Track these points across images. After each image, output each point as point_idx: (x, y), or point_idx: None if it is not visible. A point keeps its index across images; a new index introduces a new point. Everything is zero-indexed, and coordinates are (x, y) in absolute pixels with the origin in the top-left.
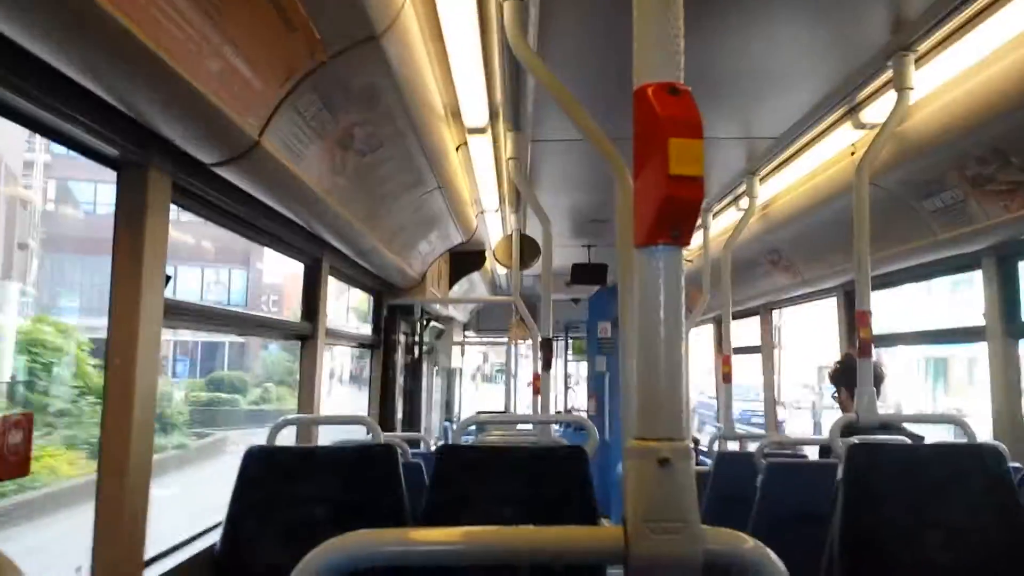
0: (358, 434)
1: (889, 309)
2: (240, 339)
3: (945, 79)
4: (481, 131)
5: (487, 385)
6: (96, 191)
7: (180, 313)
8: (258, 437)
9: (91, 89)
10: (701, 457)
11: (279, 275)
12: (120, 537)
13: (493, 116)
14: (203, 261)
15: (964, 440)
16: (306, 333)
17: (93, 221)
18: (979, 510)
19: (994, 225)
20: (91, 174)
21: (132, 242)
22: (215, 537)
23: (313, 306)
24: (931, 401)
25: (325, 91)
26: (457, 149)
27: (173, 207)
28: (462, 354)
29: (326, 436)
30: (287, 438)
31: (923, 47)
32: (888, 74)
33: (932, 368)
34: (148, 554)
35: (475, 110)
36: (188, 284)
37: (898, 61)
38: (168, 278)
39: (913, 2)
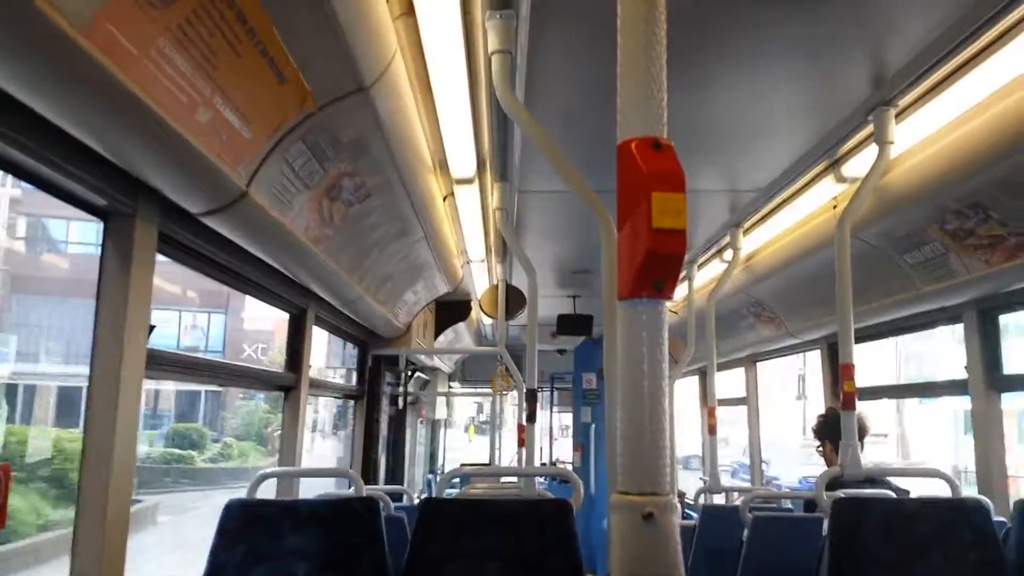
0: (340, 487)
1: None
2: (215, 388)
3: (925, 134)
4: (468, 181)
5: (481, 436)
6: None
7: (162, 363)
8: (209, 500)
9: (80, 139)
10: (687, 511)
11: (267, 320)
12: None
13: (480, 167)
14: (179, 304)
15: (949, 495)
16: (289, 384)
17: (66, 261)
18: (964, 565)
19: (975, 279)
20: (65, 212)
21: (116, 291)
22: None
23: (297, 356)
24: (963, 457)
25: (314, 141)
26: (444, 199)
27: (159, 256)
28: (447, 405)
29: (309, 489)
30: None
31: (903, 102)
32: (869, 128)
33: (964, 421)
34: None
35: (462, 161)
36: (161, 329)
37: (879, 116)
38: (152, 328)
39: (893, 58)
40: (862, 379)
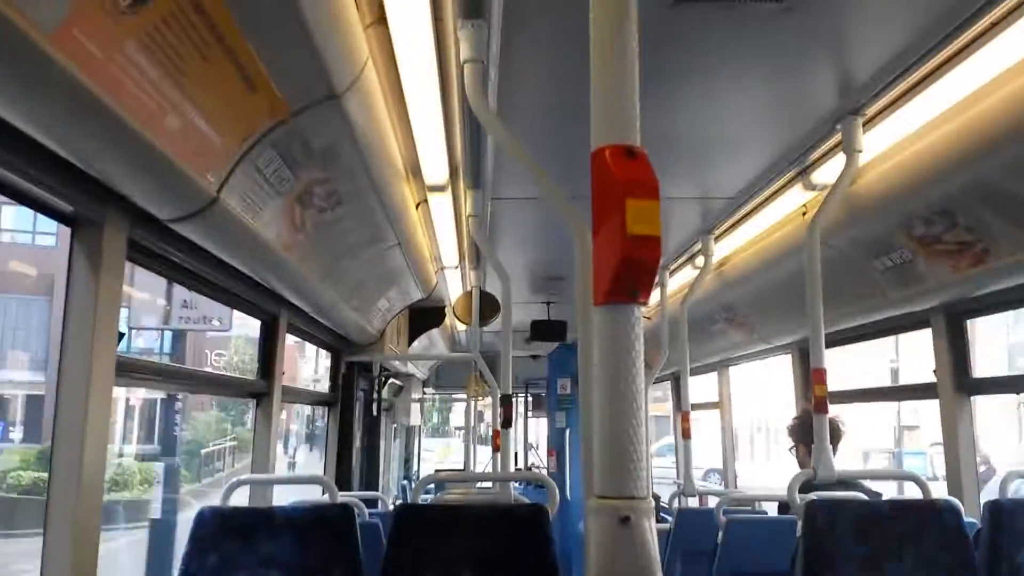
0: (314, 494)
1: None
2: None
3: (893, 141)
4: (441, 189)
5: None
6: None
7: (133, 371)
8: None
9: (46, 144)
10: (662, 514)
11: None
12: None
13: (453, 174)
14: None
15: (920, 497)
16: (261, 391)
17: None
18: (936, 565)
19: (942, 284)
20: None
21: (85, 298)
22: None
23: (269, 363)
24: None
25: (285, 148)
26: (417, 206)
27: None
28: (421, 411)
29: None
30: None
31: (871, 110)
32: (837, 137)
33: None
34: None
35: (435, 168)
36: None
37: (847, 125)
38: (122, 335)
39: (860, 68)
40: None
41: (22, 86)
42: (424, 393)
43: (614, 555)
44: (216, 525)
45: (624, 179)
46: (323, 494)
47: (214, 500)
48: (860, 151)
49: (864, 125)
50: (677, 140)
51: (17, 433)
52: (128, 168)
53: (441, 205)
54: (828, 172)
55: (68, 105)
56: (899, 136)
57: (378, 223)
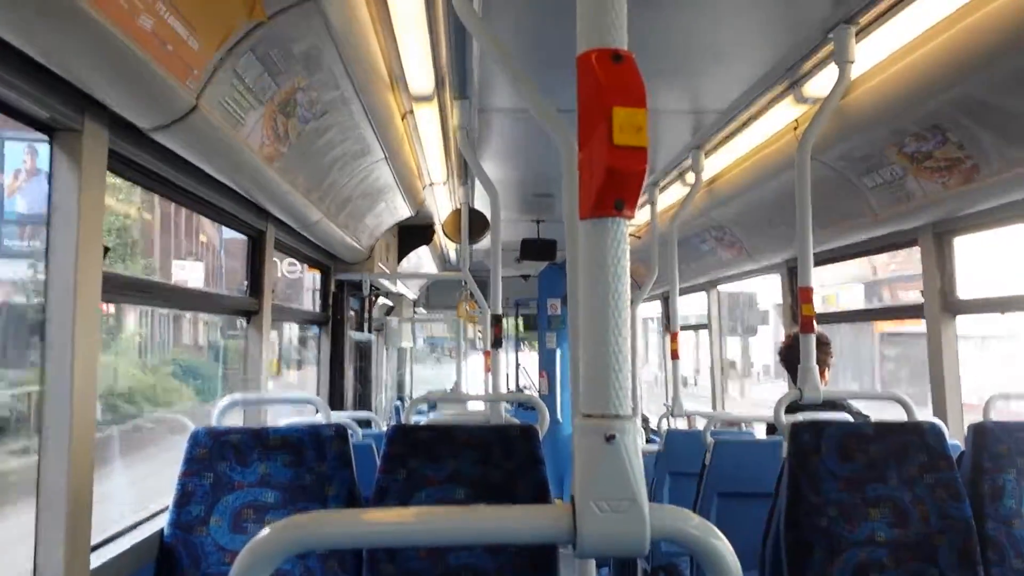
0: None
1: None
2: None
3: (885, 54)
4: (427, 99)
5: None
6: None
7: (119, 287)
8: None
9: (21, 48)
10: (651, 435)
11: None
12: (64, 522)
13: (439, 84)
14: None
15: (905, 419)
16: (251, 308)
17: None
18: (920, 485)
19: (931, 202)
20: None
21: (67, 211)
22: (162, 522)
23: (258, 280)
24: None
25: (264, 53)
26: (403, 118)
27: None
28: (413, 332)
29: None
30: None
31: (864, 20)
32: (830, 47)
33: None
34: (93, 540)
35: (420, 76)
36: None
37: (839, 34)
38: (106, 249)
39: None
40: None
41: None
42: (415, 313)
43: (600, 473)
44: (210, 445)
45: (610, 84)
46: (316, 414)
47: None
48: (852, 62)
49: (857, 35)
50: (665, 50)
51: None
52: (104, 73)
53: (428, 117)
54: (819, 85)
55: (39, 5)
56: (891, 48)
57: (363, 134)
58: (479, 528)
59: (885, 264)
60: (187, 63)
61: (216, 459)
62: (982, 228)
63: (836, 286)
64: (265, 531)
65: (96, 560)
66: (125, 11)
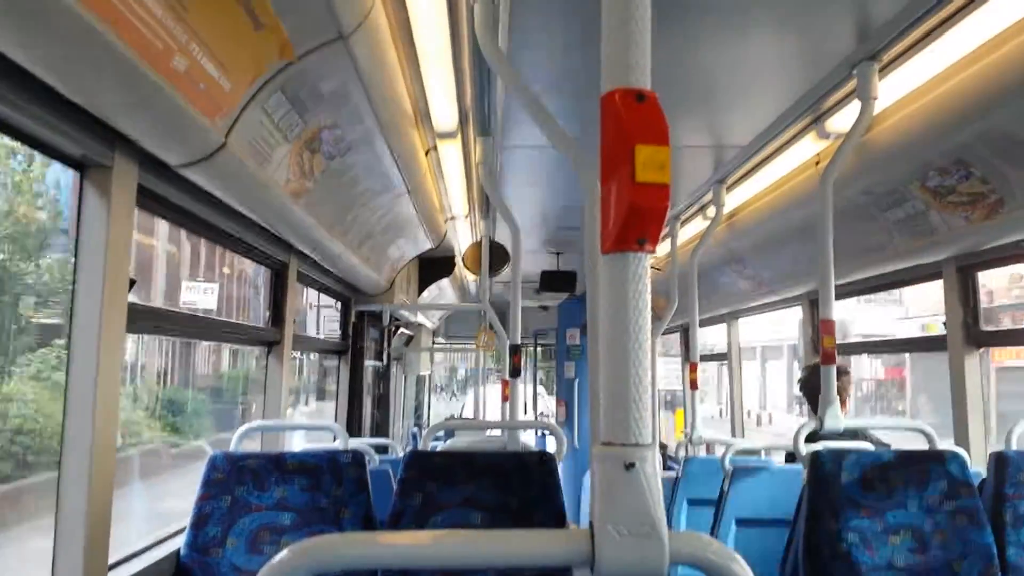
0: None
1: None
2: None
3: (909, 88)
4: (451, 135)
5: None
6: None
7: (144, 318)
8: None
9: (54, 87)
10: (669, 463)
11: None
12: (82, 542)
13: (463, 121)
14: None
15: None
16: (273, 339)
17: None
18: (941, 513)
19: (955, 236)
20: None
21: (95, 245)
22: (179, 542)
23: (280, 311)
24: None
25: (293, 92)
26: (427, 154)
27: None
28: (431, 361)
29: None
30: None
31: (887, 56)
32: (853, 83)
33: None
34: (111, 559)
35: (445, 114)
36: None
37: (863, 70)
38: (133, 282)
39: (878, 11)
40: None
41: (30, 26)
42: (434, 343)
43: (619, 500)
44: (228, 469)
45: (633, 124)
46: (334, 441)
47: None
48: (875, 98)
49: (880, 71)
50: (689, 86)
51: None
52: (135, 111)
53: (450, 152)
54: (842, 120)
55: (75, 44)
56: (915, 84)
57: (387, 170)
58: (497, 551)
59: (1006, 289)
60: (217, 102)
61: (234, 483)
62: (1007, 263)
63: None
64: (284, 552)
65: None
66: (160, 52)
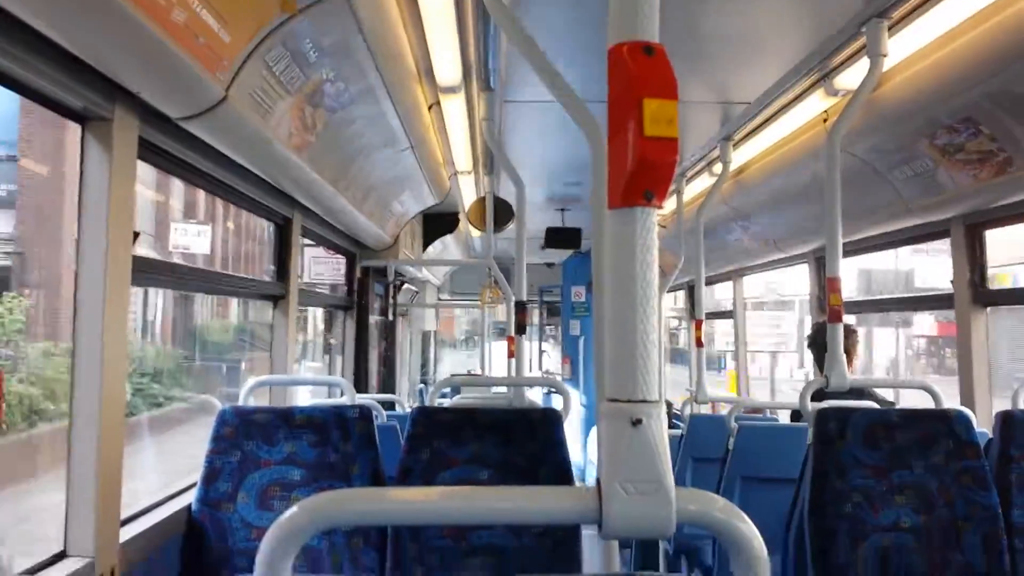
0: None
1: None
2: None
3: (918, 46)
4: (454, 90)
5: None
6: None
7: (149, 271)
8: None
9: (55, 39)
10: (675, 421)
11: None
12: (94, 497)
13: (466, 75)
14: None
15: (933, 406)
16: (278, 293)
17: None
18: (946, 473)
19: (962, 194)
20: None
21: (98, 197)
22: (191, 497)
23: (285, 266)
24: None
25: (294, 45)
26: (430, 108)
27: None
28: (436, 317)
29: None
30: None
31: (897, 14)
32: (862, 40)
33: None
34: (123, 514)
35: (448, 68)
36: None
37: (872, 28)
38: (136, 234)
39: None
40: None
41: None
42: (440, 299)
43: (625, 457)
44: (237, 424)
45: (641, 77)
46: (341, 396)
47: None
48: (885, 55)
49: (889, 29)
50: (697, 40)
51: None
52: (136, 64)
53: (454, 108)
54: (851, 77)
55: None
56: (924, 41)
57: (390, 125)
58: (506, 508)
59: None
60: (218, 54)
61: (243, 437)
62: (1014, 221)
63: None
64: (294, 508)
65: (125, 534)
66: (160, 5)
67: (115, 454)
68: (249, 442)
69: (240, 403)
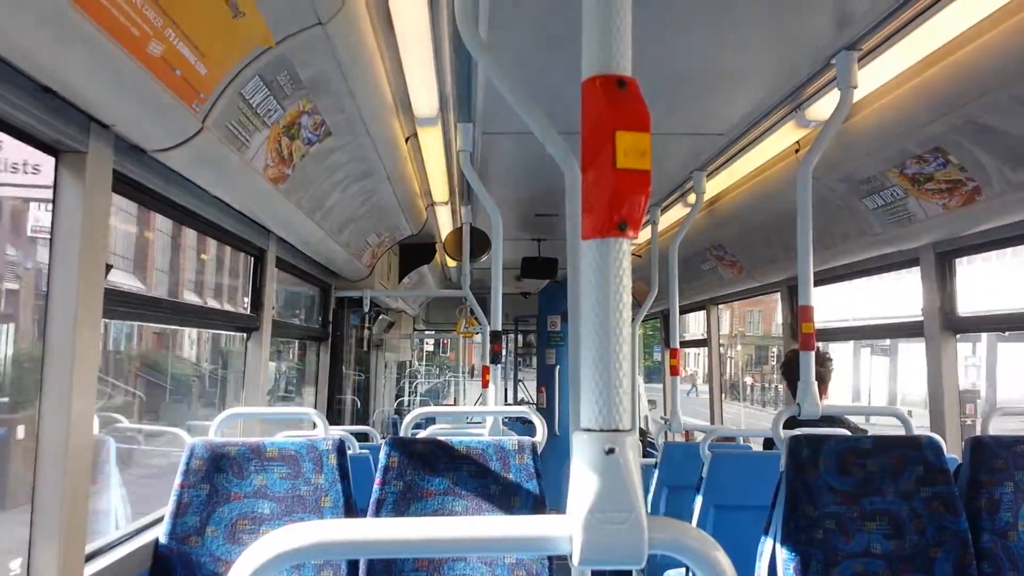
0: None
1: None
2: None
3: (887, 78)
4: (431, 122)
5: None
6: None
7: (120, 303)
8: None
9: (28, 72)
10: (649, 449)
11: None
12: (59, 531)
13: (443, 107)
14: None
15: (903, 433)
16: (252, 325)
17: None
18: (917, 499)
19: (933, 223)
20: None
21: (71, 229)
22: (158, 532)
23: (259, 298)
24: None
25: (271, 77)
26: (407, 140)
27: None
28: (412, 347)
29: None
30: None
31: (867, 46)
32: (832, 72)
33: None
34: (88, 548)
35: (425, 100)
36: None
37: (842, 60)
38: (109, 267)
39: (858, 1)
40: None
41: (4, 10)
42: (415, 329)
43: (598, 486)
44: (207, 457)
45: (614, 110)
46: (314, 429)
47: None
48: (855, 87)
49: (859, 61)
50: (670, 73)
51: None
52: (112, 96)
53: (431, 139)
54: (822, 108)
55: (50, 30)
56: (893, 73)
57: (367, 156)
58: (479, 539)
59: None
60: (194, 87)
61: (213, 471)
62: (983, 249)
63: None
64: (262, 540)
65: (90, 569)
66: (136, 37)
67: (81, 488)
68: (219, 475)
69: (211, 436)
